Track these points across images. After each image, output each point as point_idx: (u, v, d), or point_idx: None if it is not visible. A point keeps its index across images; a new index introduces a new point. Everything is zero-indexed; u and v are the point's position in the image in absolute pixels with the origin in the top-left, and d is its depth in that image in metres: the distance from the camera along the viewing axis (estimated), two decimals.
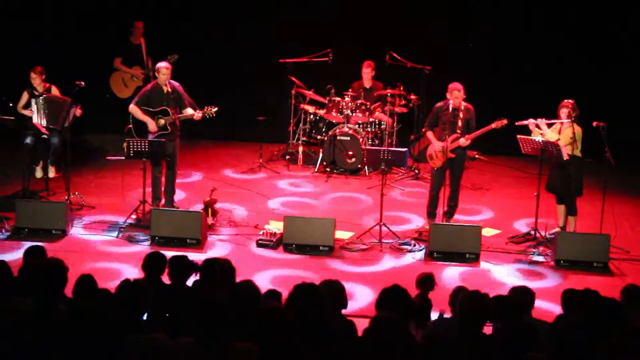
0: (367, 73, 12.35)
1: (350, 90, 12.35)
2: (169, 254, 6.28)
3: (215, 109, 9.91)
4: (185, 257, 6.13)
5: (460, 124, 9.60)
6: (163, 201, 10.05)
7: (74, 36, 13.53)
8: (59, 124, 10.42)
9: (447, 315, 6.11)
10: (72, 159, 10.50)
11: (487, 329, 5.32)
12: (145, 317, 5.25)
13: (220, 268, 5.92)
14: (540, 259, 9.14)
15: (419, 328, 5.69)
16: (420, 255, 9.14)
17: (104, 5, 13.55)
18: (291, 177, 11.92)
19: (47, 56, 12.41)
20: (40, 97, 10.46)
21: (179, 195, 10.35)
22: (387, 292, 5.39)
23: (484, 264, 8.98)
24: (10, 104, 10.55)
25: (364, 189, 11.44)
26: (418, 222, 10.10)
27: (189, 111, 9.91)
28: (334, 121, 12.27)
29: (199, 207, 9.83)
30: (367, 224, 9.82)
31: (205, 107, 9.92)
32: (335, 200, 11.04)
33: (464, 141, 9.58)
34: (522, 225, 10.10)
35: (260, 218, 9.98)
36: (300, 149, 12.59)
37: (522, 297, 5.93)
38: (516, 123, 9.47)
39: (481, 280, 8.52)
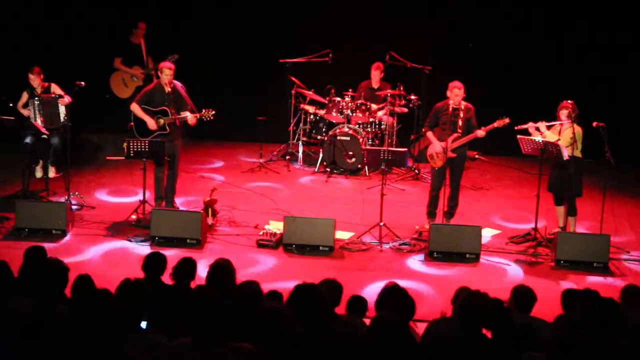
0: (376, 75, 12.36)
1: (359, 89, 12.37)
2: (169, 254, 6.28)
3: (213, 112, 9.90)
4: (193, 260, 6.12)
5: (460, 123, 9.60)
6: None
7: (73, 36, 13.53)
8: (57, 124, 10.44)
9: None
10: (72, 159, 10.50)
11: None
12: (145, 317, 5.24)
13: (220, 268, 5.91)
14: (540, 259, 9.15)
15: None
16: (420, 255, 9.16)
17: (103, 5, 13.54)
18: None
19: (47, 56, 12.43)
20: (36, 98, 10.47)
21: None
22: (387, 292, 5.39)
23: (484, 264, 8.98)
24: (11, 104, 10.55)
25: (364, 189, 11.45)
26: (418, 222, 10.09)
27: (185, 114, 9.86)
28: (334, 121, 12.27)
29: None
30: (367, 224, 9.81)
31: (204, 110, 9.90)
32: (335, 200, 11.04)
33: (481, 133, 9.57)
34: (522, 226, 10.10)
35: (262, 218, 9.99)
36: (301, 149, 12.59)
37: (523, 296, 5.93)
38: (516, 127, 9.46)
39: (481, 280, 8.53)
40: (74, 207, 9.86)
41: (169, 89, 9.82)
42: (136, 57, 12.92)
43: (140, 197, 9.85)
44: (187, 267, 6.04)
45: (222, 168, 12.37)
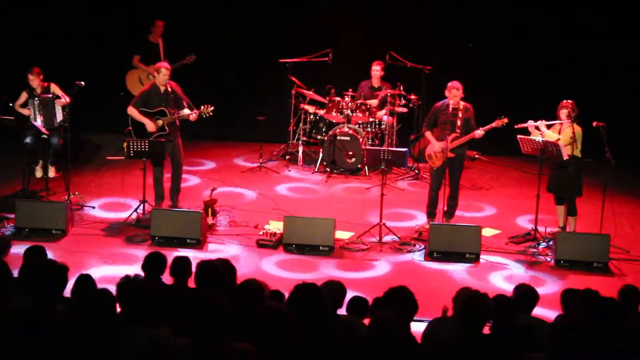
0: (377, 71, 12.29)
1: (359, 89, 12.35)
2: (169, 254, 6.28)
3: (212, 108, 9.91)
4: (187, 258, 6.14)
5: (459, 123, 9.60)
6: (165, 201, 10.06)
7: (81, 34, 13.51)
8: (53, 124, 10.45)
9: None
10: (72, 159, 10.49)
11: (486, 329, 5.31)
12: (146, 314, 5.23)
13: (219, 268, 5.91)
14: (540, 259, 9.15)
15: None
16: (420, 255, 9.16)
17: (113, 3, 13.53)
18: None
19: (47, 56, 12.41)
20: (36, 98, 10.47)
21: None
22: (389, 292, 5.39)
23: (483, 264, 8.99)
24: (10, 104, 10.55)
25: (364, 189, 11.44)
26: (418, 222, 10.10)
27: (185, 112, 9.90)
28: (334, 121, 12.27)
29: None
30: (367, 223, 9.81)
31: (202, 106, 9.91)
32: (336, 200, 11.04)
33: (480, 133, 9.56)
34: (522, 226, 10.09)
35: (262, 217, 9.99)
36: (300, 149, 12.58)
37: (525, 296, 5.92)
38: (515, 126, 9.46)
39: (480, 280, 8.53)
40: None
41: (167, 89, 9.82)
42: (154, 56, 12.80)
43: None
44: (182, 265, 6.05)
45: (221, 168, 12.36)
